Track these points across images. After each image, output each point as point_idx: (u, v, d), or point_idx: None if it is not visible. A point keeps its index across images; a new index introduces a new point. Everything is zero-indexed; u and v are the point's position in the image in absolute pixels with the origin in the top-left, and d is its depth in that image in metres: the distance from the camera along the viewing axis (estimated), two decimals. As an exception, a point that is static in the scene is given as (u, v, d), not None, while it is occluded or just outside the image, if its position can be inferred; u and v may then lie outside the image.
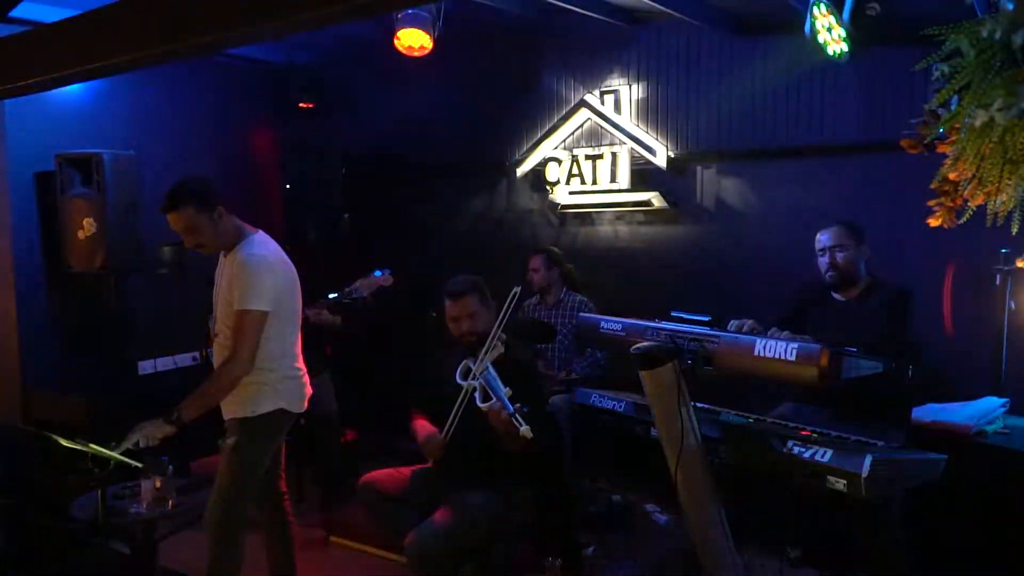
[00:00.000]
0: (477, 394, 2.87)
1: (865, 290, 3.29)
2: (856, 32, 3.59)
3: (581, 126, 5.10)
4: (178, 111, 5.51)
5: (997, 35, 2.29)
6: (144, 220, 4.76)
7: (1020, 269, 3.44)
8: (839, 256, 3.26)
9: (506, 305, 2.95)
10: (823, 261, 3.30)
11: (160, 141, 5.27)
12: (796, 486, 2.41)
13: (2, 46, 4.32)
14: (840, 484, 2.19)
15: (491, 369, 2.88)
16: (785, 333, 2.56)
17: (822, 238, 3.32)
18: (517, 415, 2.71)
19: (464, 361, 3.00)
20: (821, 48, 3.70)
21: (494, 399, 2.80)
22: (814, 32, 3.66)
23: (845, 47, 3.65)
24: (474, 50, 5.29)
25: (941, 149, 2.67)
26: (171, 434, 2.84)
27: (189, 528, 3.52)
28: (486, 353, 2.94)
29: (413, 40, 4.45)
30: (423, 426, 3.20)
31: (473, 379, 2.91)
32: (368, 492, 3.20)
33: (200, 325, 4.26)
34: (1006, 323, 3.68)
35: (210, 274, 3.15)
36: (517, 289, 2.97)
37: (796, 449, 2.33)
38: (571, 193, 5.09)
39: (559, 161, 5.10)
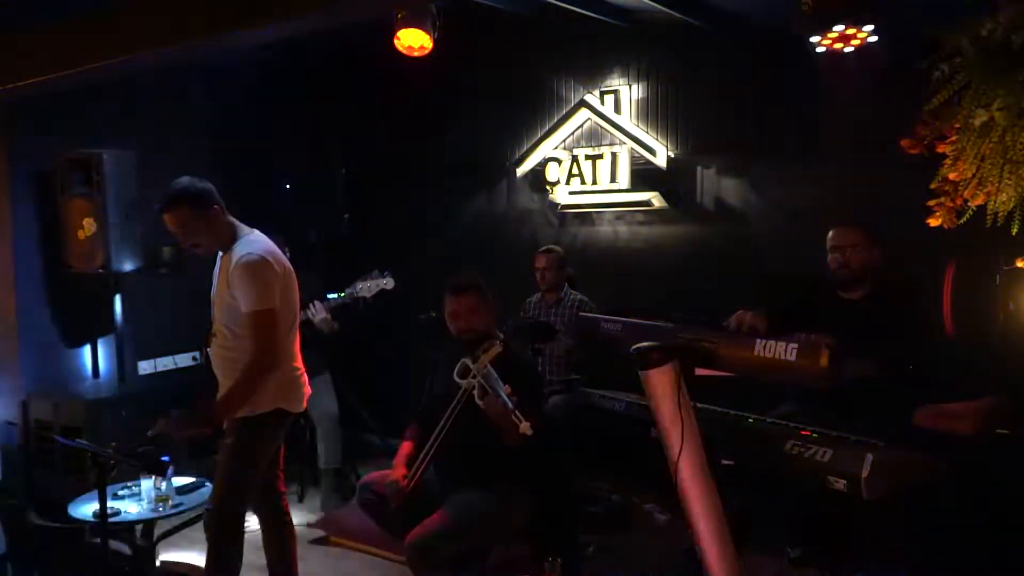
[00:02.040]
0: (476, 392, 2.88)
1: (873, 290, 3.26)
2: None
3: (581, 126, 5.10)
4: (178, 111, 5.50)
5: (997, 35, 2.29)
6: (144, 220, 4.76)
7: (1020, 269, 3.43)
8: (853, 256, 3.21)
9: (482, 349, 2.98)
10: (835, 259, 3.26)
11: (160, 141, 5.27)
12: (796, 486, 2.41)
13: (2, 46, 4.32)
14: (840, 484, 2.19)
15: (489, 367, 2.88)
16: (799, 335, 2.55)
17: (836, 236, 3.27)
18: (517, 411, 2.72)
19: (461, 360, 3.00)
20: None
21: (492, 395, 2.80)
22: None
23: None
24: (474, 50, 5.29)
25: (941, 149, 2.67)
26: (206, 435, 2.85)
27: (189, 528, 3.53)
28: (484, 351, 2.94)
29: (413, 40, 4.45)
30: (398, 460, 3.22)
31: (472, 377, 2.91)
32: (367, 493, 3.20)
33: (200, 325, 4.26)
34: (1006, 323, 3.67)
35: (210, 274, 3.15)
36: (499, 342, 3.01)
37: (796, 449, 2.33)
38: (571, 193, 5.09)
39: (559, 161, 5.10)
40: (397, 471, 3.15)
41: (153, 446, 2.85)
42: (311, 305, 4.38)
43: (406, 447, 3.28)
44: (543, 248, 4.75)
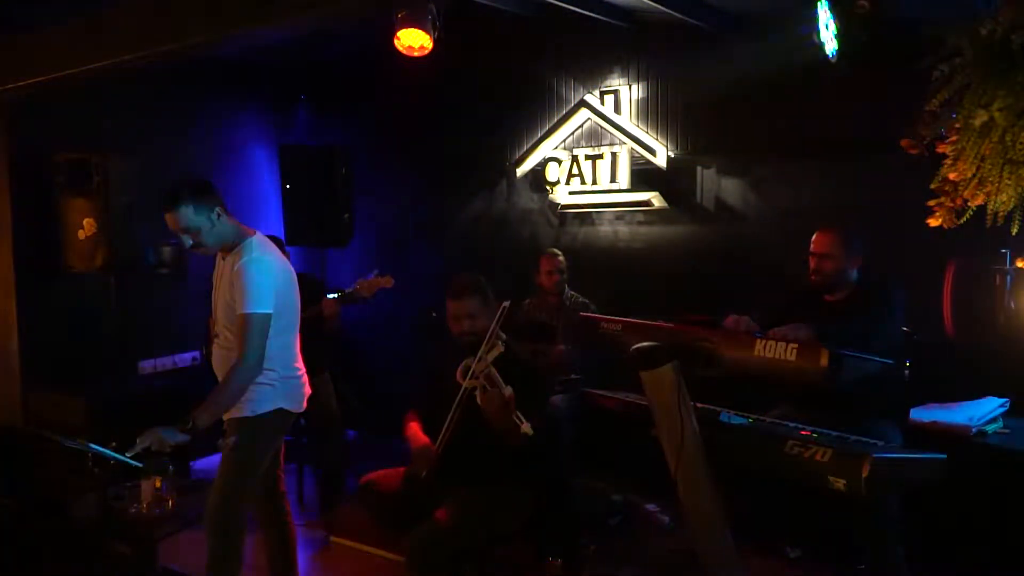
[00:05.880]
0: (478, 392, 2.87)
1: (852, 293, 3.33)
2: (848, 31, 3.59)
3: (581, 126, 5.10)
4: (178, 111, 5.50)
5: (997, 35, 2.29)
6: (144, 220, 4.76)
7: (1020, 269, 3.43)
8: (827, 264, 3.32)
9: (496, 319, 2.94)
10: (811, 264, 3.35)
11: (160, 141, 5.27)
12: (796, 486, 2.41)
13: (2, 46, 4.33)
14: (840, 484, 2.19)
15: (492, 368, 2.87)
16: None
17: (814, 242, 3.37)
18: (518, 413, 2.72)
19: (464, 360, 2.99)
20: (820, 47, 3.69)
21: (492, 394, 2.80)
22: (816, 30, 3.66)
23: (835, 46, 3.65)
24: (474, 50, 5.29)
25: (941, 149, 2.67)
26: (184, 443, 2.81)
27: (189, 528, 3.53)
28: (486, 351, 2.94)
29: (413, 40, 4.44)
30: (416, 435, 3.19)
31: (474, 377, 2.91)
32: (368, 492, 3.20)
33: (200, 325, 4.26)
34: (1006, 323, 3.67)
35: (210, 274, 3.15)
36: (506, 304, 2.97)
37: (796, 449, 2.33)
38: (571, 193, 5.09)
39: (559, 161, 5.10)
40: (419, 441, 3.12)
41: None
42: (314, 306, 4.38)
43: (416, 427, 3.24)
44: (549, 251, 4.73)
